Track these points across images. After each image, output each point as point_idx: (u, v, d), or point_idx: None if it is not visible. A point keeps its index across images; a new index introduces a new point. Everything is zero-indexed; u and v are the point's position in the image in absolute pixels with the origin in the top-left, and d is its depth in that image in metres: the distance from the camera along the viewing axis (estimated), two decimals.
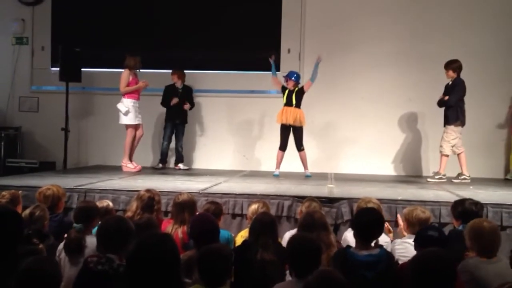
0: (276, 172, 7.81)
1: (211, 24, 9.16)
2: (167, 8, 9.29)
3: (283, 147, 7.78)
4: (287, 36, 9.09)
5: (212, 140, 9.21)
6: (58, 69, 8.73)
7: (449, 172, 7.60)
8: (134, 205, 4.48)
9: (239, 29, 9.10)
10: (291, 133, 7.73)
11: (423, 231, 3.58)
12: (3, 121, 9.57)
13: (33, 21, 9.67)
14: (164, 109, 8.68)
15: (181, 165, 8.66)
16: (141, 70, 8.16)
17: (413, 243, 3.57)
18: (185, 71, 8.73)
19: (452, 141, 7.42)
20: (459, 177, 7.54)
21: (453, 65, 7.45)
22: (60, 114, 8.67)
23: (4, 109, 9.64)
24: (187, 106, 8.50)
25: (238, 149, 9.10)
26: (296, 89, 7.68)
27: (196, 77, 9.22)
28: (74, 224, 3.89)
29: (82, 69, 8.91)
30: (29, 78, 9.69)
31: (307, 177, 7.69)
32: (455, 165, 7.62)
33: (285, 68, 9.04)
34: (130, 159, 8.11)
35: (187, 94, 8.61)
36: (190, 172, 8.34)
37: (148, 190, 4.61)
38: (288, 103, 7.64)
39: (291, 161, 8.85)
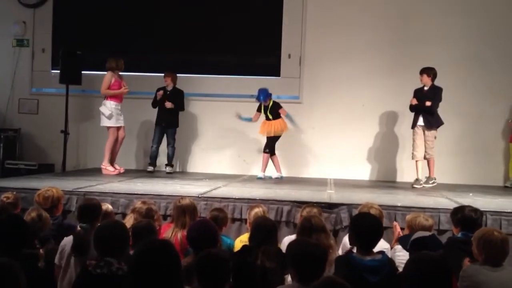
0: (260, 175, 8.13)
1: (213, 29, 9.17)
2: (169, 12, 9.30)
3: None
4: (287, 41, 9.08)
5: (212, 144, 9.19)
6: (59, 71, 8.73)
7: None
8: (131, 218, 4.26)
9: (240, 34, 9.10)
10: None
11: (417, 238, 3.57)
12: (2, 123, 9.54)
13: (34, 23, 9.65)
14: (155, 112, 8.56)
15: (167, 168, 8.57)
16: (138, 74, 8.13)
17: None
18: (186, 75, 8.72)
19: (434, 144, 7.57)
20: (420, 182, 7.59)
21: (430, 72, 7.54)
22: (60, 116, 8.66)
23: (3, 111, 9.62)
24: (168, 104, 8.34)
25: (238, 154, 9.09)
26: (270, 104, 8.08)
27: (198, 81, 9.23)
28: (81, 224, 3.87)
29: (83, 72, 8.89)
30: (29, 80, 9.68)
31: (259, 178, 8.02)
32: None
33: (285, 73, 9.06)
34: (112, 162, 8.13)
35: (174, 96, 8.46)
36: (189, 176, 8.33)
37: (143, 202, 4.49)
38: (267, 118, 8.14)
39: (290, 166, 8.87)
